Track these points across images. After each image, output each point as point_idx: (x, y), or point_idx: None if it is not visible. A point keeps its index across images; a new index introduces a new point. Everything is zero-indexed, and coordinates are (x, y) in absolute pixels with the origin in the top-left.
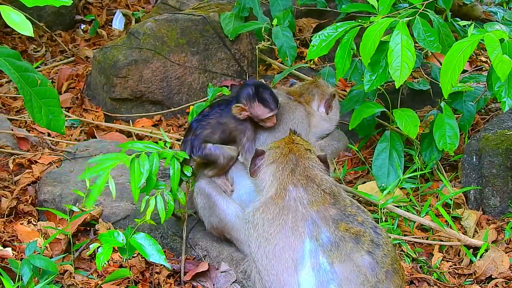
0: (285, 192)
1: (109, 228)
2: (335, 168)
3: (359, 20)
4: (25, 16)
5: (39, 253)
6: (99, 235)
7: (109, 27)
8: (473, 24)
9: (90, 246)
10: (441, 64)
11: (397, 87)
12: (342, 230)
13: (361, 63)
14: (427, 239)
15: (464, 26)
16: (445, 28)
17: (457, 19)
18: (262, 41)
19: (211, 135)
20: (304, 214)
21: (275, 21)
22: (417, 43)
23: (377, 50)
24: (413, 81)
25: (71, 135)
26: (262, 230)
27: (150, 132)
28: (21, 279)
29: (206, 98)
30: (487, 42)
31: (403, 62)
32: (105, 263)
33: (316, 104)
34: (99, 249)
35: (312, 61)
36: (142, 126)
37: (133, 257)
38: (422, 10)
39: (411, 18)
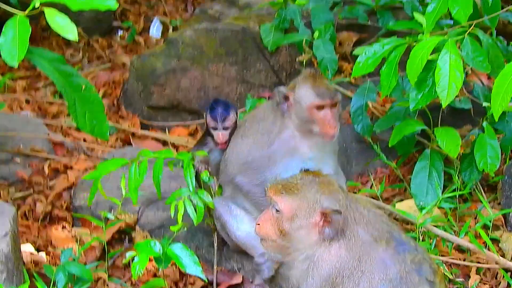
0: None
1: (146, 237)
2: (372, 185)
3: (407, 38)
4: None
5: (73, 259)
6: (136, 244)
7: (146, 34)
8: None
9: (127, 254)
10: (482, 82)
11: (443, 107)
12: (409, 262)
13: (402, 79)
14: (464, 261)
15: (508, 45)
16: (494, 49)
17: (500, 37)
18: (303, 54)
19: None
20: (375, 258)
21: (316, 34)
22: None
23: (424, 69)
24: (454, 99)
25: (107, 142)
26: (341, 286)
27: (187, 141)
28: (56, 285)
29: (244, 109)
30: None
31: (451, 81)
32: (140, 273)
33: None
34: (135, 258)
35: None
36: (178, 135)
37: (168, 266)
38: (472, 30)
39: (460, 37)
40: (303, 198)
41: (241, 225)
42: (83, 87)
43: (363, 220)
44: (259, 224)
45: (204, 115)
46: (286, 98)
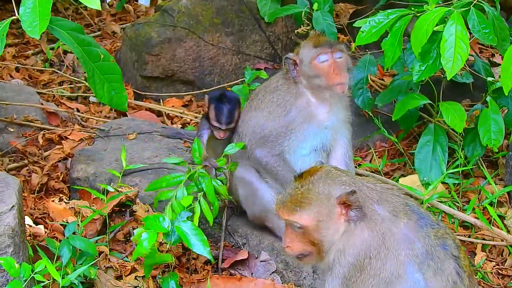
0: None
1: (148, 210)
2: (371, 159)
3: (412, 8)
4: None
5: (74, 233)
6: (144, 218)
7: (135, 2)
8: None
9: (134, 231)
10: (477, 54)
11: (448, 79)
12: (433, 238)
13: (404, 53)
14: (469, 237)
15: (507, 19)
16: (500, 21)
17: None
18: (302, 26)
19: None
20: (397, 233)
21: (315, 6)
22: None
23: (428, 40)
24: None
25: (101, 112)
26: (370, 267)
27: (181, 113)
28: (60, 259)
29: (238, 80)
30: None
31: (456, 53)
32: (148, 249)
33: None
34: (143, 234)
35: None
36: (172, 106)
37: None
38: (477, 2)
39: (465, 8)
40: (316, 202)
41: (267, 191)
42: (102, 57)
43: (375, 195)
44: (288, 246)
45: (206, 101)
46: (294, 63)
